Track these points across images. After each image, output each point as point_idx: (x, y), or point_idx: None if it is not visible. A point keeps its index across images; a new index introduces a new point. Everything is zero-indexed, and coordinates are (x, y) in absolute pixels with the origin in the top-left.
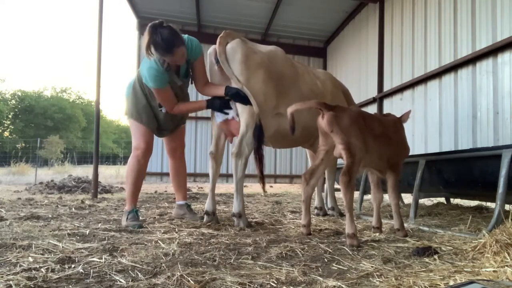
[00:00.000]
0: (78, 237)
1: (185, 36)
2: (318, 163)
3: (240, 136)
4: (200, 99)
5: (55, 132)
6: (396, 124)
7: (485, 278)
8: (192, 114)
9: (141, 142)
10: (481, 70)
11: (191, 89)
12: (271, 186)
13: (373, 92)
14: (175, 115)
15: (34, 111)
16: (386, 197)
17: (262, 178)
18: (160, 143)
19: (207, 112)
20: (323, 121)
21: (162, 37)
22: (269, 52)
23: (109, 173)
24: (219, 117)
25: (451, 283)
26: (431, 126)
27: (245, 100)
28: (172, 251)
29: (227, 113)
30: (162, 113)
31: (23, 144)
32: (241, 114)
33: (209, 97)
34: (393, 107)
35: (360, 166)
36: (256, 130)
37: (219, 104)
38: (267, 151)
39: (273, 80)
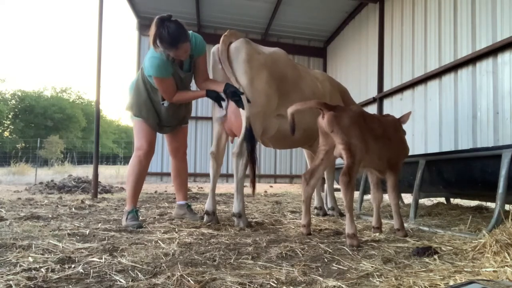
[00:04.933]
0: (78, 237)
1: (190, 32)
2: (318, 163)
3: (241, 136)
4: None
5: (55, 132)
6: (395, 125)
7: (485, 278)
8: (193, 114)
9: (143, 142)
10: (481, 70)
11: (192, 85)
12: (271, 186)
13: (373, 92)
14: (178, 111)
15: (34, 111)
16: (386, 197)
17: (253, 181)
18: (160, 143)
19: (207, 112)
20: (323, 121)
21: (168, 31)
22: (272, 53)
23: (109, 173)
24: (218, 113)
25: (451, 283)
26: (431, 126)
27: (240, 102)
28: (172, 251)
29: (221, 106)
30: (164, 108)
31: (23, 144)
32: (243, 114)
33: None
34: (393, 107)
35: (360, 166)
36: (247, 134)
37: (216, 94)
38: (267, 151)
39: (276, 81)
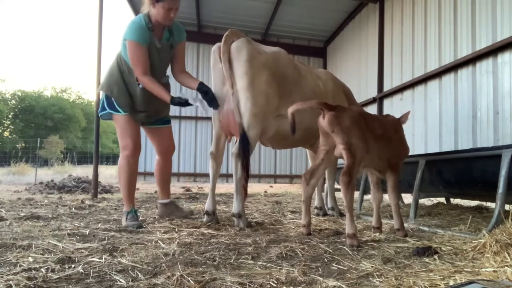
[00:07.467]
0: (78, 237)
1: None
2: (318, 163)
3: (239, 139)
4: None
5: (55, 132)
6: (395, 125)
7: (485, 278)
8: (192, 114)
9: (128, 141)
10: (481, 70)
11: (172, 81)
12: (271, 186)
13: (373, 92)
14: (154, 98)
15: (34, 111)
16: (386, 197)
17: (245, 187)
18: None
19: (207, 112)
20: (324, 121)
21: None
22: (273, 53)
23: (109, 173)
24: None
25: (451, 283)
26: (431, 126)
27: (212, 102)
28: (172, 251)
29: (188, 105)
30: (139, 89)
31: (23, 144)
32: (243, 114)
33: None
34: (393, 107)
35: (360, 166)
36: (241, 141)
37: (178, 101)
38: (267, 151)
39: (276, 82)
